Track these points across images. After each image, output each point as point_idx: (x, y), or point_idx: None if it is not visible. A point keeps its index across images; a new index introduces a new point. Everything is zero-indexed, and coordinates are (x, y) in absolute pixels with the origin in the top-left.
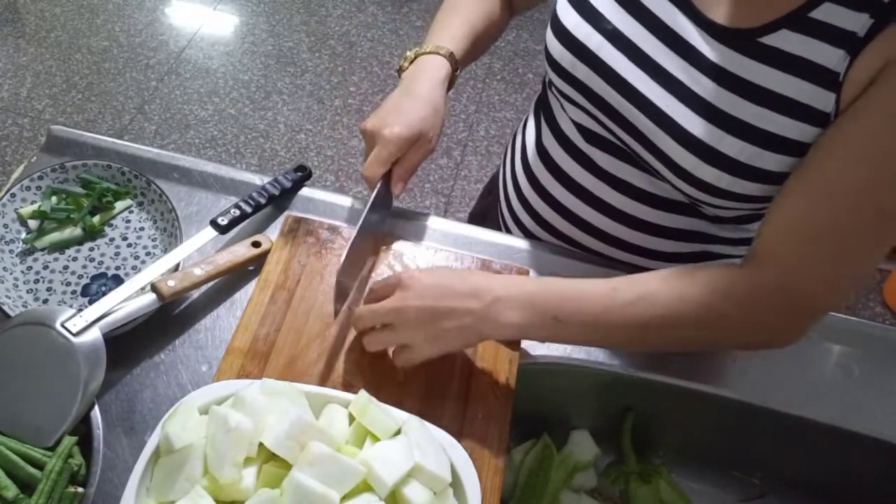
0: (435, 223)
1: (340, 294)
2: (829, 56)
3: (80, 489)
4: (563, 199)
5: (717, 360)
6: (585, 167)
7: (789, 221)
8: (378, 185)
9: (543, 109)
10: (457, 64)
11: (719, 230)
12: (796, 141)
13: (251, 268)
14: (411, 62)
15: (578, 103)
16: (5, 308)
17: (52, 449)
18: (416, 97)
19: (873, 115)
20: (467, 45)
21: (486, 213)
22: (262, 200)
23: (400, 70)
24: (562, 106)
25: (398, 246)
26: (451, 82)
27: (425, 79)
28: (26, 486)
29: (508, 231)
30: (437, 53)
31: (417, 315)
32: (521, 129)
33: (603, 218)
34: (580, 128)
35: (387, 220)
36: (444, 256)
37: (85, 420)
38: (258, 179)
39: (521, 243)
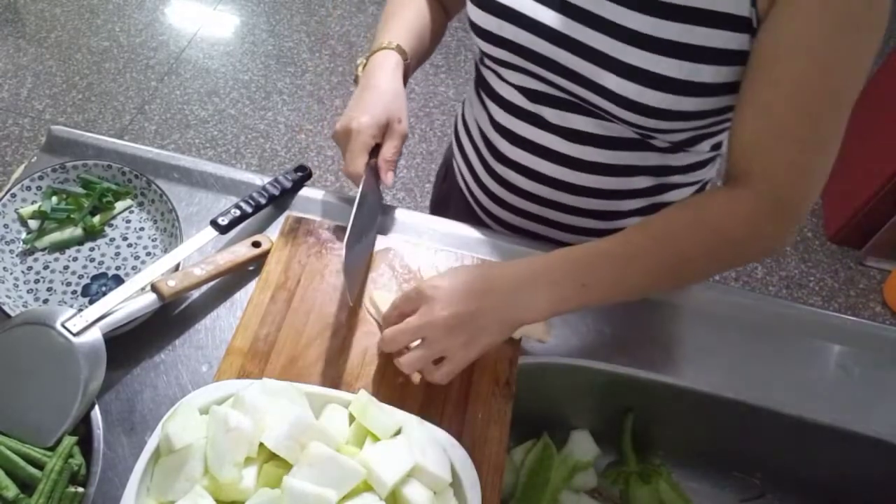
0: (435, 223)
1: (352, 285)
2: None
3: (81, 489)
4: (524, 161)
5: (717, 361)
6: (537, 126)
7: (749, 136)
8: (363, 179)
9: (483, 88)
10: (406, 54)
11: (672, 159)
12: (728, 50)
13: (251, 268)
14: (364, 66)
15: (515, 65)
16: (5, 308)
17: (53, 449)
18: (372, 88)
19: (796, 11)
20: (411, 39)
21: (447, 198)
22: (263, 200)
23: (356, 80)
24: (499, 76)
25: (398, 246)
26: (405, 72)
27: (378, 71)
28: (26, 486)
29: (478, 204)
30: (385, 48)
31: (448, 323)
32: (470, 109)
33: (564, 170)
34: (522, 90)
35: (380, 213)
36: (444, 256)
37: (85, 420)
38: (258, 179)
39: (520, 244)
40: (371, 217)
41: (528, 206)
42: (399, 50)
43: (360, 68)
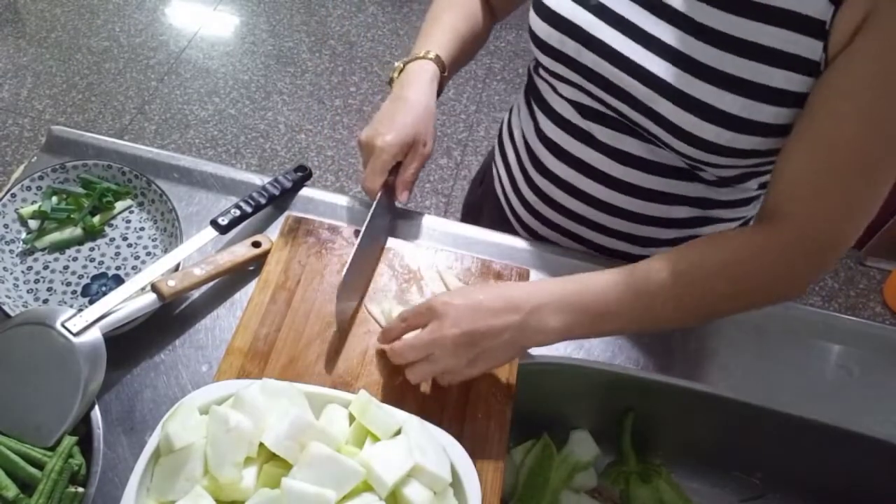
0: (435, 223)
1: (342, 309)
2: (812, 4)
3: (81, 489)
4: (567, 176)
5: (717, 361)
6: (585, 143)
7: (797, 177)
8: (378, 196)
9: (534, 97)
10: (444, 66)
11: (717, 193)
12: (790, 91)
13: (251, 268)
14: (400, 72)
15: (571, 80)
16: (5, 308)
17: (53, 449)
18: (404, 101)
19: (860, 63)
20: (453, 48)
21: (481, 203)
22: (263, 200)
23: (391, 82)
24: (553, 88)
25: (398, 246)
26: (440, 84)
27: (413, 82)
28: (26, 486)
29: (515, 215)
30: (424, 58)
31: (455, 342)
32: (517, 115)
33: (607, 190)
34: (575, 105)
35: (388, 230)
36: (444, 256)
37: (85, 420)
38: (258, 179)
39: (521, 243)
40: (375, 240)
41: (564, 221)
42: (437, 61)
43: (395, 73)
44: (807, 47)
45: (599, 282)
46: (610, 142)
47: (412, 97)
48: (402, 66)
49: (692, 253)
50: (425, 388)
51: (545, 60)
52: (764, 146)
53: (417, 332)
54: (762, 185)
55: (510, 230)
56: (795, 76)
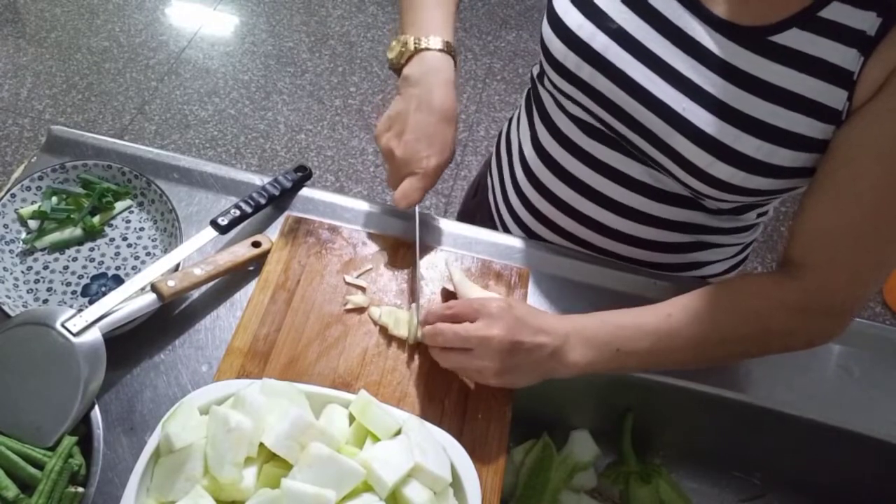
0: (435, 223)
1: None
2: (841, 55)
3: (80, 489)
4: (563, 195)
5: None
6: (586, 162)
7: (819, 228)
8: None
9: (536, 105)
10: (454, 54)
11: (716, 220)
12: (809, 137)
13: (251, 268)
14: (409, 57)
15: (580, 102)
16: (5, 308)
17: (52, 449)
18: (440, 116)
19: (887, 117)
20: (454, 23)
21: (474, 214)
22: (262, 200)
23: (395, 64)
24: (556, 102)
25: (398, 247)
26: None
27: (440, 87)
28: (26, 486)
29: (506, 229)
30: (440, 50)
31: (501, 346)
32: (516, 125)
33: (604, 212)
34: (580, 123)
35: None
36: (444, 256)
37: (85, 420)
38: (258, 179)
39: (521, 243)
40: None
41: (556, 239)
42: (452, 52)
43: (401, 56)
44: (832, 96)
45: (624, 321)
46: (612, 163)
47: (445, 108)
48: (411, 49)
49: (710, 298)
50: (429, 379)
51: (555, 78)
52: (774, 186)
53: (466, 323)
54: (760, 214)
55: None
56: (816, 123)
